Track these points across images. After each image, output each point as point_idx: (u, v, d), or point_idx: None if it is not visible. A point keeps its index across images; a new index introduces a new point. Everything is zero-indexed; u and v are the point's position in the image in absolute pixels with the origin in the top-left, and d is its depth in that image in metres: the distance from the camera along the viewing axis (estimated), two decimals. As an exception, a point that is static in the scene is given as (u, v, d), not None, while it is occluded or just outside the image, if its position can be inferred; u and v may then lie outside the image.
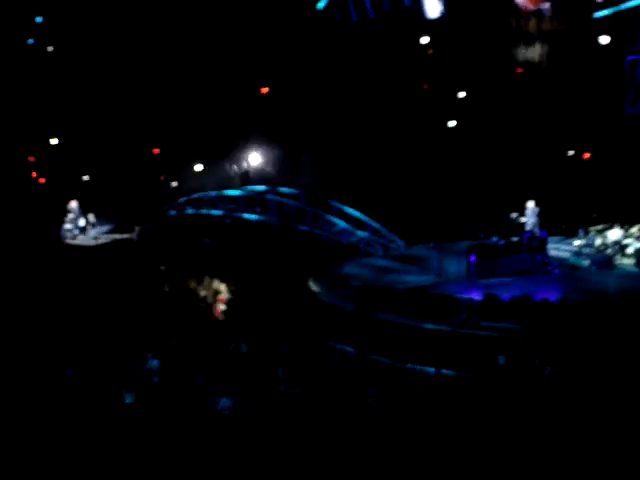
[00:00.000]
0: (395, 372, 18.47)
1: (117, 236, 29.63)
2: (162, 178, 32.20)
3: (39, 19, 32.38)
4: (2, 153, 31.17)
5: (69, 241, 29.29)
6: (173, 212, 30.55)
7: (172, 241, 28.27)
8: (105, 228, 30.49)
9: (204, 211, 29.59)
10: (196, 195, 29.98)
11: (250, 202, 28.92)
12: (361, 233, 27.56)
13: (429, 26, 31.91)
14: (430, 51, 32.02)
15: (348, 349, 19.98)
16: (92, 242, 29.16)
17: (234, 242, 27.72)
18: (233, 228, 28.75)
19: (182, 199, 30.37)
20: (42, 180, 32.21)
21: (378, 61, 31.15)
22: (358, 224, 27.81)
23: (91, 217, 30.22)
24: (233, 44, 31.15)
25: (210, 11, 31.33)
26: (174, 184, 32.17)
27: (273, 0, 31.18)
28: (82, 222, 29.97)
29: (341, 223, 27.59)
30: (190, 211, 30.17)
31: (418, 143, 30.23)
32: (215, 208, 29.32)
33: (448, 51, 31.50)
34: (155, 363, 17.73)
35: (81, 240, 29.41)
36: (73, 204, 29.64)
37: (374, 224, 27.76)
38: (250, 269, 25.32)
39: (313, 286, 23.47)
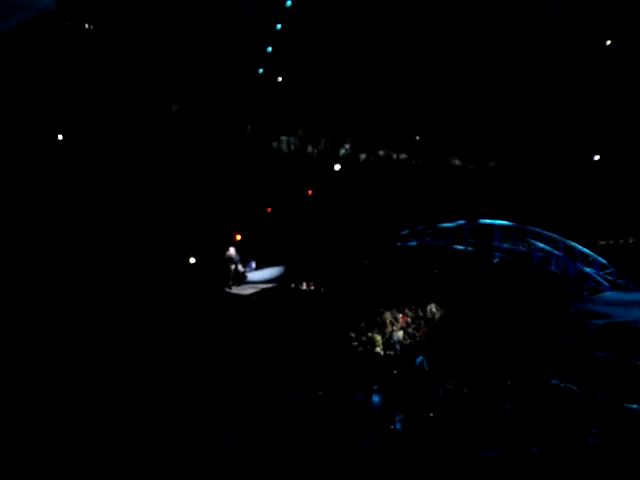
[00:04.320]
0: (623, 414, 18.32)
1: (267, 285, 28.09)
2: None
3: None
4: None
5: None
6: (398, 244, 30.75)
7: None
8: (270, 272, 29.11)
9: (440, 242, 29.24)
10: (420, 227, 29.67)
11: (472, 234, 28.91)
12: (589, 269, 27.13)
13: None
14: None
15: (573, 387, 19.96)
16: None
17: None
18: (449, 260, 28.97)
19: (404, 232, 30.58)
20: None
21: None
22: (583, 258, 27.40)
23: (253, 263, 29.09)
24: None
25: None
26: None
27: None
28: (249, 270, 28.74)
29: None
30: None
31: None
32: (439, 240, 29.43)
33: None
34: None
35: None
36: (232, 251, 28.33)
37: (601, 259, 27.27)
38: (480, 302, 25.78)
39: (540, 322, 23.50)
